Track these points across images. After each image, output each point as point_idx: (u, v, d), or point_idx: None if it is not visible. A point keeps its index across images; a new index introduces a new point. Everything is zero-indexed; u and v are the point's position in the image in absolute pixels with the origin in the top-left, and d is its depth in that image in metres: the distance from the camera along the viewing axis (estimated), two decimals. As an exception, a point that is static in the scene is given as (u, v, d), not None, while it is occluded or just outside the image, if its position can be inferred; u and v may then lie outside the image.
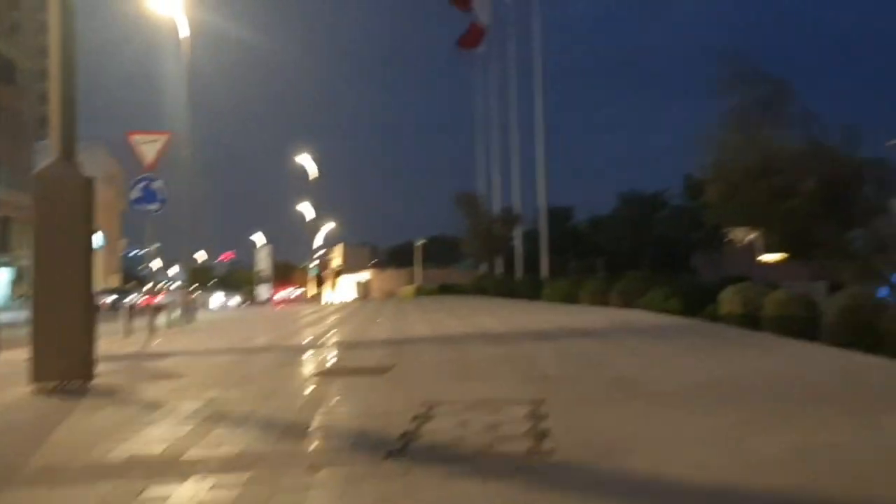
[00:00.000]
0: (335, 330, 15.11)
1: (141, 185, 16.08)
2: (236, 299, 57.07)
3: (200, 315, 23.89)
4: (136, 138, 16.02)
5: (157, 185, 16.16)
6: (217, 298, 58.51)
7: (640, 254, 71.39)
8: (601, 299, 21.69)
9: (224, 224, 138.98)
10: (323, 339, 12.73)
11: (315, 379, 7.50)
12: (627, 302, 19.82)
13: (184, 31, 20.97)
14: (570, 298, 23.90)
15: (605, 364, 7.93)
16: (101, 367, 7.60)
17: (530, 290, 31.57)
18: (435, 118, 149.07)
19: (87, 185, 7.09)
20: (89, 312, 7.09)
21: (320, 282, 60.92)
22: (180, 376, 7.92)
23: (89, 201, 7.07)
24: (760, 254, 77.25)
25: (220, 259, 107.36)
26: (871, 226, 10.36)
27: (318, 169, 66.97)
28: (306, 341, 12.51)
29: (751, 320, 13.34)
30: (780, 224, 10.17)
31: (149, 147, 16.00)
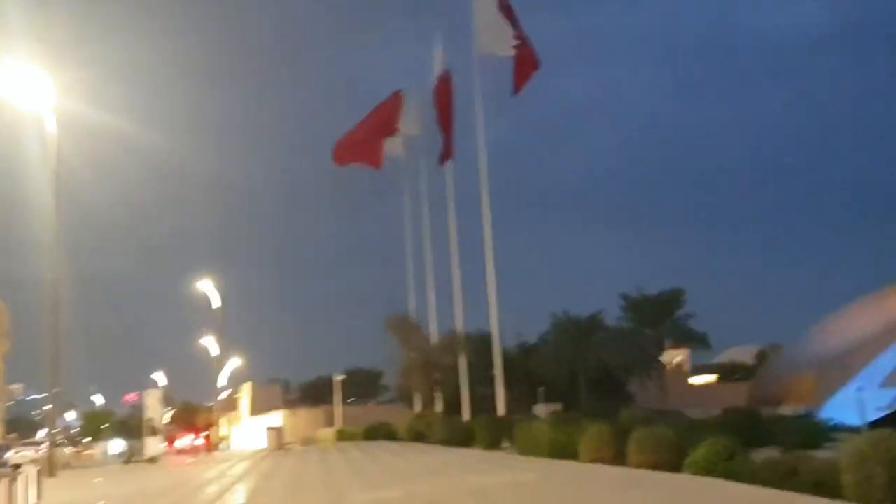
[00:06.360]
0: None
1: None
2: (119, 447, 48.42)
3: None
4: None
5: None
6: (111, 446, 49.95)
7: (576, 382, 65.74)
8: (613, 454, 15.60)
9: (124, 362, 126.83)
10: None
11: None
12: (663, 461, 13.89)
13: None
14: (561, 451, 17.61)
15: None
16: None
17: (490, 434, 25.36)
18: (354, 245, 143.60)
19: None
20: None
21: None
22: None
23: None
24: (690, 377, 72.44)
25: (124, 401, 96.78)
26: None
27: (223, 299, 60.21)
28: None
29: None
30: None
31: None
